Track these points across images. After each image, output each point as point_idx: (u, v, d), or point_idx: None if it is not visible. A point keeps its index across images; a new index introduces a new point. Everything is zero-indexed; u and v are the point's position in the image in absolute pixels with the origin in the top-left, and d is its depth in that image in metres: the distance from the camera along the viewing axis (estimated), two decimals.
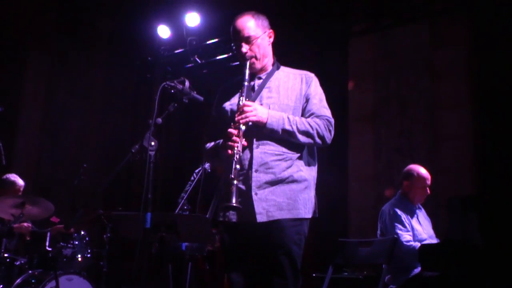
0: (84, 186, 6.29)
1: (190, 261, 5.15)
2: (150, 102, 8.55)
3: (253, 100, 2.98)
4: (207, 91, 3.67)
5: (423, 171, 4.81)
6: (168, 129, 8.60)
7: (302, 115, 3.01)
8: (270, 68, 3.14)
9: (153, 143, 3.14)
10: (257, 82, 3.10)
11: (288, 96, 3.02)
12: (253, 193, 2.85)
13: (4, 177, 6.03)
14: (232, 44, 3.13)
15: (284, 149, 2.91)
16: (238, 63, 8.70)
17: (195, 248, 4.94)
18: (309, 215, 2.94)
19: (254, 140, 2.91)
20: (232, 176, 2.71)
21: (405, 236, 4.50)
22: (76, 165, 6.92)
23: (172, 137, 8.97)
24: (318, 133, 2.92)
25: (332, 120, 3.00)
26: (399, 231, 4.52)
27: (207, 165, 5.59)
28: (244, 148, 2.84)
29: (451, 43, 6.73)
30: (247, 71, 3.01)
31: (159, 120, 3.23)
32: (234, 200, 2.67)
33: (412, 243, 4.46)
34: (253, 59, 3.06)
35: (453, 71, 6.67)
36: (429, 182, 4.79)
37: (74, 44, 8.80)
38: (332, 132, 2.98)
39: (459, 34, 6.70)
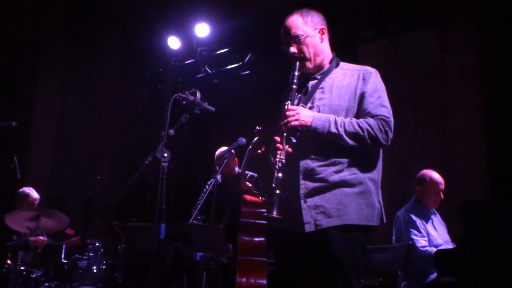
0: (98, 198, 6.33)
1: (205, 271, 5.15)
2: (162, 114, 8.60)
3: (305, 103, 2.81)
4: (218, 101, 3.69)
5: (436, 175, 4.79)
6: (180, 140, 8.62)
7: (358, 114, 2.76)
8: (327, 66, 2.92)
9: (165, 155, 3.16)
10: (311, 83, 2.90)
11: (340, 96, 2.79)
12: (301, 201, 2.68)
13: (20, 190, 6.08)
14: (282, 46, 2.95)
15: (332, 153, 2.71)
16: (248, 72, 8.77)
17: (210, 258, 4.94)
18: (367, 222, 2.67)
19: (300, 146, 2.72)
20: (274, 185, 2.57)
21: (421, 242, 4.47)
22: (89, 178, 6.98)
23: (184, 148, 8.99)
24: (370, 134, 2.66)
25: (389, 119, 2.73)
26: (414, 237, 4.49)
27: (218, 176, 5.60)
28: (290, 155, 2.66)
29: (461, 48, 6.71)
30: (296, 73, 2.81)
31: (172, 131, 3.24)
32: (275, 212, 2.53)
33: (428, 248, 4.43)
34: (304, 60, 2.87)
35: (464, 75, 6.65)
36: (442, 186, 4.77)
37: (85, 58, 8.88)
38: (390, 133, 2.71)
39: (469, 38, 6.68)
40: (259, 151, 4.76)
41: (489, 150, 6.30)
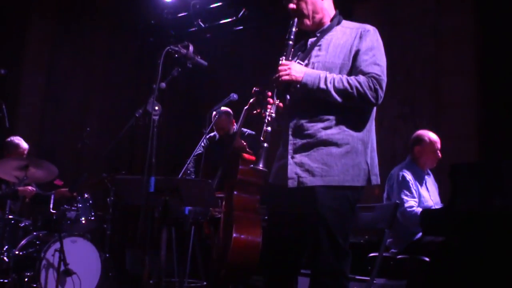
0: (88, 150, 6.33)
1: (193, 225, 5.19)
2: (153, 67, 8.52)
3: (303, 60, 2.82)
4: (211, 56, 3.65)
5: (433, 135, 4.82)
6: (172, 94, 8.58)
7: (351, 72, 2.75)
8: (327, 24, 2.90)
9: (156, 108, 3.14)
10: (310, 40, 2.90)
11: (336, 54, 2.77)
12: (289, 157, 2.72)
13: (8, 139, 6.06)
14: (283, 1, 2.90)
15: (321, 110, 2.71)
16: (242, 27, 8.67)
17: (198, 212, 4.98)
18: (352, 183, 2.67)
19: (291, 101, 2.73)
20: (262, 139, 2.61)
21: (410, 202, 4.51)
22: (79, 129, 6.96)
23: (176, 102, 8.95)
24: (358, 91, 2.64)
25: (381, 77, 2.70)
26: (404, 197, 4.54)
27: (215, 133, 5.60)
28: (280, 109, 2.69)
29: (456, 10, 6.64)
30: (294, 29, 2.80)
31: (163, 84, 3.21)
32: (261, 164, 2.57)
33: (414, 209, 4.48)
34: (302, 16, 2.85)
35: (458, 38, 6.60)
36: (439, 145, 4.80)
37: (76, 9, 8.71)
38: (380, 91, 2.68)
39: (465, 1, 6.62)
40: (255, 111, 4.85)
41: (481, 113, 6.31)
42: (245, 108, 4.88)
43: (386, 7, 7.20)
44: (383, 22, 7.02)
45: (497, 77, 6.16)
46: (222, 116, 5.48)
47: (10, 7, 8.00)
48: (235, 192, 4.55)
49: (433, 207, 4.62)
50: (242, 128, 5.31)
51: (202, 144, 5.50)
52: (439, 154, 4.81)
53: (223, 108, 5.47)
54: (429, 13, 6.89)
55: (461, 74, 6.50)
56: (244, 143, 5.07)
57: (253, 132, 5.55)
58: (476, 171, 4.06)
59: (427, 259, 4.25)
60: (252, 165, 2.61)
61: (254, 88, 4.18)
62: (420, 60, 6.85)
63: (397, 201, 4.39)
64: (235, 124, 5.65)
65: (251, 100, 4.53)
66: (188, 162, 5.24)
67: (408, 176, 4.64)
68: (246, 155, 4.73)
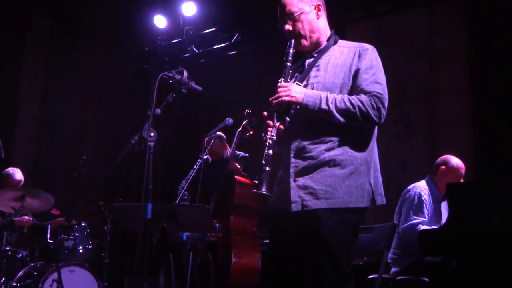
0: (84, 178, 6.30)
1: (192, 251, 5.16)
2: (148, 93, 8.54)
3: (301, 81, 2.78)
4: (205, 81, 3.66)
5: (459, 162, 4.75)
6: (167, 120, 8.59)
7: (352, 91, 2.71)
8: (324, 44, 2.88)
9: (152, 134, 3.13)
10: (308, 61, 2.87)
11: (335, 73, 2.74)
12: (291, 180, 2.67)
13: (4, 171, 6.05)
14: (278, 24, 2.89)
15: (323, 131, 2.67)
16: (235, 52, 8.73)
17: (196, 238, 4.95)
18: (356, 204, 2.63)
19: (293, 124, 2.69)
20: (264, 162, 2.56)
21: (417, 220, 4.44)
22: (75, 157, 6.94)
23: (171, 128, 8.96)
24: (361, 111, 2.60)
25: (383, 96, 2.68)
26: (413, 216, 4.47)
27: (207, 157, 5.60)
28: (281, 132, 2.64)
29: (449, 29, 6.71)
30: (291, 50, 2.77)
31: (158, 110, 3.20)
32: (264, 189, 2.53)
33: (417, 226, 4.42)
34: (299, 37, 2.82)
35: (451, 57, 6.65)
36: (463, 172, 4.72)
37: (70, 36, 8.76)
38: (382, 110, 2.65)
39: (457, 20, 6.68)
40: (248, 134, 4.91)
41: (475, 132, 6.34)
42: (238, 130, 4.92)
43: (378, 28, 7.27)
44: (375, 43, 7.06)
45: (491, 96, 6.19)
46: (215, 141, 5.49)
47: (4, 35, 8.03)
48: (232, 217, 4.55)
49: (432, 228, 4.59)
50: (236, 151, 5.31)
51: (195, 167, 5.52)
52: (462, 181, 4.77)
53: (216, 133, 5.49)
54: (421, 33, 6.96)
55: (455, 93, 6.53)
56: (239, 166, 5.07)
57: (247, 155, 5.55)
58: (473, 189, 4.06)
59: (427, 279, 4.22)
60: (255, 190, 2.57)
61: (246, 110, 4.21)
62: (414, 80, 6.89)
63: (401, 218, 4.36)
64: (228, 148, 5.65)
65: (244, 123, 4.59)
66: (183, 188, 5.22)
67: (425, 195, 4.58)
68: (241, 178, 4.74)
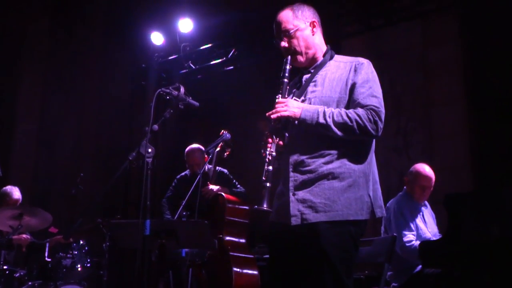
0: (82, 196, 6.28)
1: (191, 268, 5.14)
2: (146, 109, 8.55)
3: (298, 96, 2.81)
4: (202, 97, 3.67)
5: (423, 169, 4.78)
6: (165, 136, 8.59)
7: (349, 105, 2.74)
8: (320, 59, 2.92)
9: (150, 150, 3.13)
10: (305, 77, 2.91)
11: (332, 88, 2.77)
12: (290, 194, 2.69)
13: (2, 189, 6.02)
14: (274, 41, 2.94)
15: (321, 145, 2.69)
16: (232, 67, 8.77)
17: (195, 254, 4.93)
18: (355, 217, 2.63)
19: (291, 139, 2.74)
20: (264, 178, 2.59)
21: (409, 237, 4.48)
22: (73, 175, 6.91)
23: (169, 144, 8.95)
24: (359, 124, 2.63)
25: (379, 109, 2.71)
26: (403, 231, 4.51)
27: (188, 171, 5.68)
28: (280, 147, 2.69)
29: (443, 41, 6.75)
30: (288, 67, 2.82)
31: (156, 126, 3.21)
32: (265, 205, 2.56)
33: (413, 243, 4.44)
34: (295, 53, 2.87)
35: (446, 69, 6.69)
36: (429, 182, 4.75)
37: (68, 55, 8.78)
38: (380, 123, 2.68)
39: (451, 32, 6.72)
40: (225, 154, 5.19)
41: (472, 142, 6.35)
42: (216, 150, 5.09)
43: (373, 41, 7.31)
44: (370, 56, 7.10)
45: (487, 106, 6.21)
46: (196, 153, 5.66)
47: (1, 55, 8.05)
48: (224, 233, 4.63)
49: (431, 239, 4.59)
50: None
51: (174, 184, 5.83)
52: (427, 191, 4.77)
53: (195, 145, 5.75)
54: (416, 46, 7.00)
55: (451, 104, 6.56)
56: (217, 186, 5.17)
57: (225, 170, 5.62)
58: (470, 200, 4.06)
59: None
60: (256, 206, 2.58)
61: (222, 131, 4.36)
62: (410, 92, 6.92)
63: (395, 234, 4.37)
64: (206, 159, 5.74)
65: (221, 143, 4.86)
66: (182, 205, 5.22)
67: (404, 209, 4.62)
68: (228, 196, 4.85)
